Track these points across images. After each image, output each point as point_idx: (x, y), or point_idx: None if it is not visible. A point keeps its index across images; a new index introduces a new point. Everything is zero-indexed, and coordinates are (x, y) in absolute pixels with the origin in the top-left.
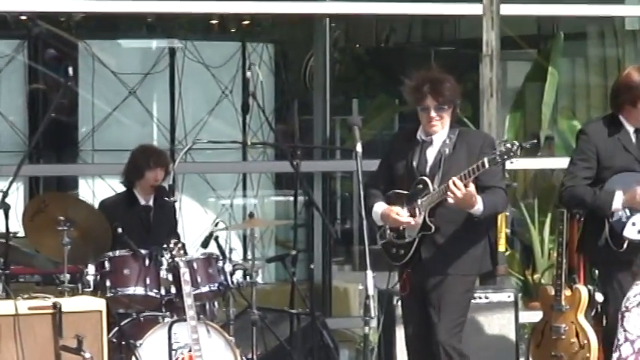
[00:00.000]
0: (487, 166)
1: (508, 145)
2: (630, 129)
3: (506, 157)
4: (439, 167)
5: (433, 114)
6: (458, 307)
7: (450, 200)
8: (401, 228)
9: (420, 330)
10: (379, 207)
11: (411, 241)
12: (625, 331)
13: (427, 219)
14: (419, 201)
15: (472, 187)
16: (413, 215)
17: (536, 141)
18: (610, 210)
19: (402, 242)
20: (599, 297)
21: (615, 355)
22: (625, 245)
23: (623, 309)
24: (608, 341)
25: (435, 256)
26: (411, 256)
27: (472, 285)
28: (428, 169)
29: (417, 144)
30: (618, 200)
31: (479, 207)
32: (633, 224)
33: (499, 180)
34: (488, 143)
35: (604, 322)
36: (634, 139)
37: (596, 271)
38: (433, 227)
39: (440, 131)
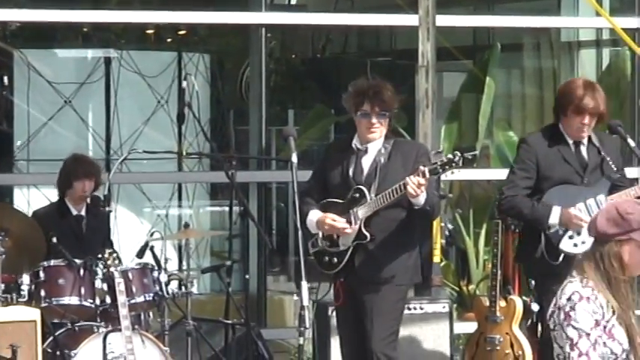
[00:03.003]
0: (427, 175)
1: (450, 156)
2: (570, 140)
3: (447, 167)
4: (375, 176)
5: (374, 120)
6: (391, 316)
7: (412, 191)
8: (335, 236)
9: (354, 339)
10: (314, 215)
11: (345, 249)
12: (576, 328)
13: (363, 228)
14: (355, 210)
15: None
16: (349, 224)
17: (477, 152)
18: (547, 224)
19: (335, 250)
20: (535, 307)
21: (574, 354)
22: (561, 258)
23: (567, 308)
24: (545, 352)
25: (368, 264)
26: (345, 264)
27: (405, 294)
28: (364, 178)
29: (353, 153)
30: (555, 215)
31: (423, 196)
32: (570, 237)
33: (435, 188)
34: (422, 152)
35: (539, 332)
36: (574, 151)
37: (532, 282)
38: (369, 236)
39: (377, 139)
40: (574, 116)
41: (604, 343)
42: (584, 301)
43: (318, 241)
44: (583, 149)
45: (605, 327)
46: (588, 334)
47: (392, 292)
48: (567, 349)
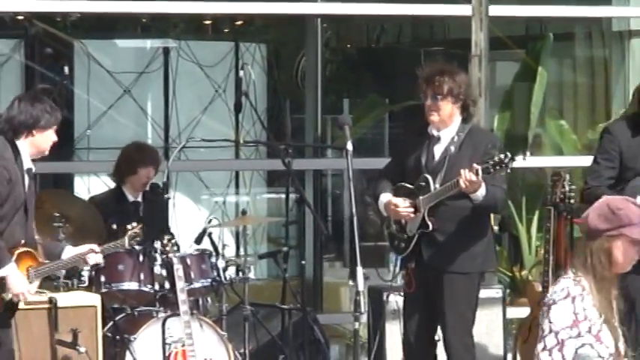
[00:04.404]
0: (480, 174)
1: (501, 156)
2: None
3: (498, 167)
4: (443, 166)
5: (428, 102)
6: (463, 304)
7: (463, 186)
8: (403, 222)
9: (421, 327)
10: (384, 197)
11: (412, 236)
12: (550, 322)
13: (426, 217)
14: (420, 198)
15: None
16: (415, 211)
17: (529, 153)
18: None
19: (403, 236)
20: None
21: (540, 346)
22: None
23: (550, 302)
24: None
25: (434, 253)
26: (412, 251)
27: (475, 282)
28: (433, 166)
29: (428, 139)
30: None
31: (481, 192)
32: None
33: (501, 181)
34: (492, 145)
35: None
36: None
37: None
38: (431, 226)
39: (443, 126)
40: None
41: (590, 345)
42: (568, 299)
43: (390, 223)
44: None
45: (590, 329)
46: (557, 332)
47: (461, 281)
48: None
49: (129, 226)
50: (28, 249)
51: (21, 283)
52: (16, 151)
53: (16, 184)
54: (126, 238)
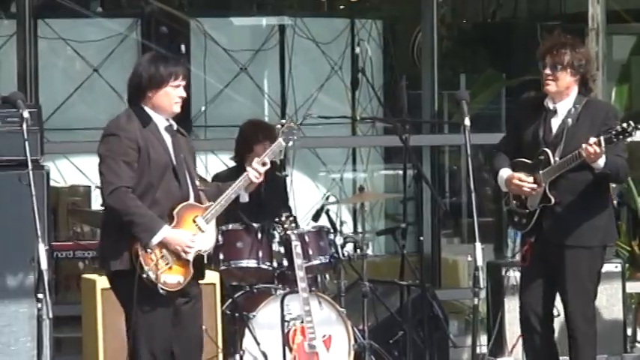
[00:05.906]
0: (603, 144)
1: (624, 125)
2: None
3: (621, 136)
4: (561, 138)
5: (547, 71)
6: (584, 277)
7: (586, 157)
8: (523, 197)
9: (539, 301)
10: (504, 172)
11: (533, 211)
12: None
13: (547, 191)
14: (540, 172)
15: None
16: (536, 185)
17: None
18: None
19: (524, 211)
20: None
21: None
22: None
23: None
24: None
25: (556, 227)
26: (533, 226)
27: (597, 255)
28: (551, 140)
29: (544, 112)
30: None
31: (602, 160)
32: None
33: (621, 151)
34: (611, 115)
35: None
36: None
37: None
38: (553, 199)
39: (559, 97)
40: None
41: None
42: None
43: (510, 199)
44: None
45: None
46: None
47: (584, 255)
48: None
49: (279, 125)
50: (188, 202)
51: (178, 238)
52: (146, 117)
53: (150, 148)
54: (280, 139)
